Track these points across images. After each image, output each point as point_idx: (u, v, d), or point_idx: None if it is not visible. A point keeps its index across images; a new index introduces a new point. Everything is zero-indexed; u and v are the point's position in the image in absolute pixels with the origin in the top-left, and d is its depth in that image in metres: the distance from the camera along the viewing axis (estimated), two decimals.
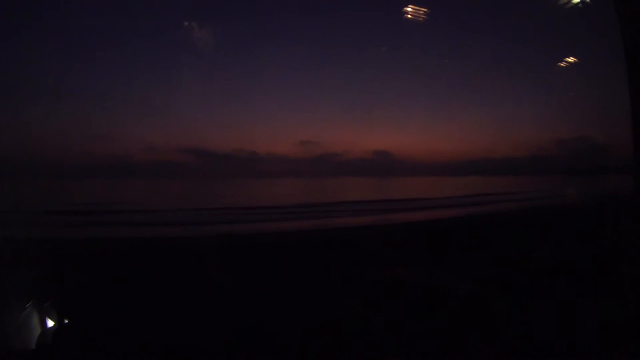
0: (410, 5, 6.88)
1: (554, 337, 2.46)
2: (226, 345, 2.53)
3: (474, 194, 20.80)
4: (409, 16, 6.97)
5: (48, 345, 2.36)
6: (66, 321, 2.63)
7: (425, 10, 6.94)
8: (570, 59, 7.30)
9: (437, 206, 18.09)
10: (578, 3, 4.33)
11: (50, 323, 2.57)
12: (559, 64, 7.58)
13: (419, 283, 2.85)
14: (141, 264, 4.46)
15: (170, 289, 3.72)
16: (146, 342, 2.47)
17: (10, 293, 2.43)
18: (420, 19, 6.98)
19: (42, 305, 2.57)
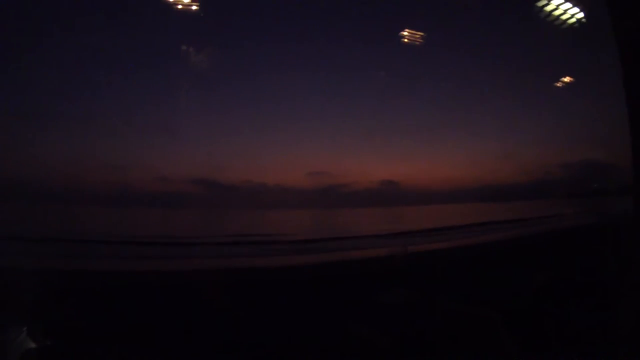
0: (406, 30, 7.02)
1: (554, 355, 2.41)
2: None
3: (480, 222, 20.56)
4: (406, 40, 7.11)
5: None
6: (63, 348, 2.56)
7: (421, 34, 7.06)
8: (567, 79, 7.37)
9: (444, 235, 17.84)
10: (574, 23, 4.42)
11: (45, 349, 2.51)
12: (561, 86, 7.63)
13: (424, 306, 2.80)
14: (142, 297, 4.37)
15: (168, 321, 3.63)
16: None
17: (7, 319, 2.39)
18: (417, 43, 7.10)
19: (38, 332, 2.52)
